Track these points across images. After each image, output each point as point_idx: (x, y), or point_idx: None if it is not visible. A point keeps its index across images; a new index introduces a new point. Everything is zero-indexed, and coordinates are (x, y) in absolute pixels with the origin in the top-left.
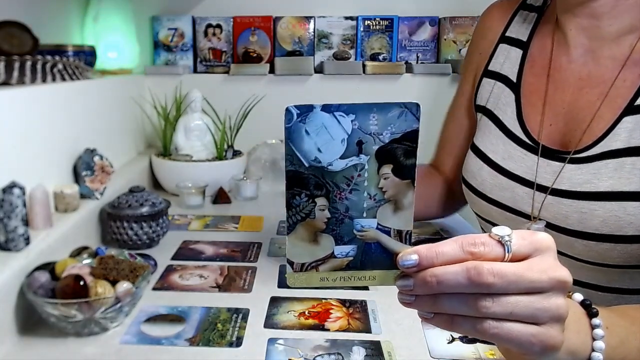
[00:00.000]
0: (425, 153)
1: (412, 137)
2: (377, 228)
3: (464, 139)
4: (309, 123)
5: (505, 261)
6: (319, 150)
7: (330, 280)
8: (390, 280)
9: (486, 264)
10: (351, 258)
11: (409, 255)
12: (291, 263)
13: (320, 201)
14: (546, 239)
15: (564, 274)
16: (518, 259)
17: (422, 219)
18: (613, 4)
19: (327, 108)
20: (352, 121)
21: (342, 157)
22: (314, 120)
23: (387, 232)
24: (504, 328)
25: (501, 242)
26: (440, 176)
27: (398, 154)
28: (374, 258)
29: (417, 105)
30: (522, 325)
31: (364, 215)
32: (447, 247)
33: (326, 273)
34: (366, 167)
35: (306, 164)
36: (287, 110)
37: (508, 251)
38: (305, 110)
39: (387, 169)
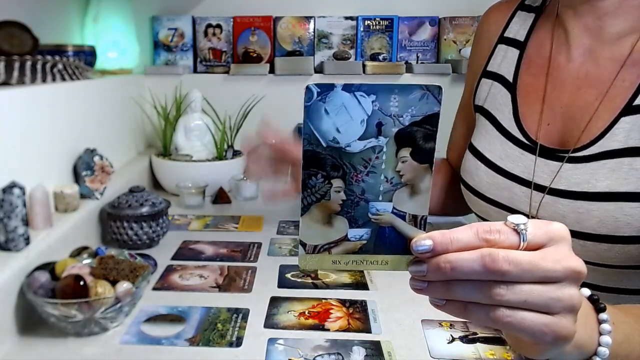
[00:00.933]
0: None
1: (432, 120)
2: (392, 212)
3: (465, 137)
4: (329, 102)
5: (520, 250)
6: (338, 130)
7: (342, 263)
8: (403, 265)
9: (501, 251)
10: (364, 241)
11: (423, 240)
12: (304, 245)
13: (337, 182)
14: (561, 229)
15: (578, 264)
16: (533, 248)
17: (438, 212)
18: (617, 5)
19: (348, 87)
20: (372, 102)
21: (360, 139)
22: (334, 100)
23: (403, 216)
24: (517, 316)
25: (517, 230)
26: (448, 171)
27: (417, 137)
28: (388, 242)
29: (440, 88)
30: (535, 315)
31: (380, 198)
32: (462, 234)
33: (338, 256)
34: (384, 149)
35: (324, 144)
36: (308, 88)
37: (523, 240)
38: (326, 89)
39: (405, 152)
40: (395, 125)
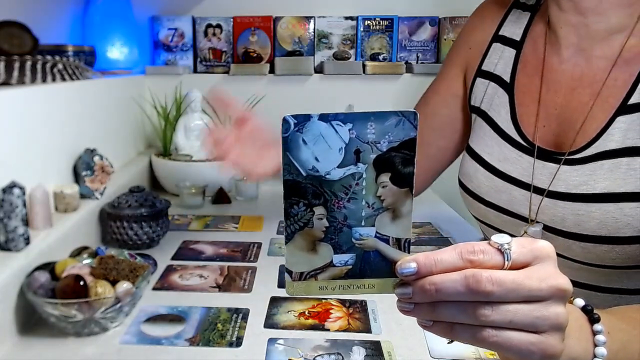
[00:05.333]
0: None
1: (409, 145)
2: (375, 236)
3: (443, 127)
4: (306, 132)
5: (505, 269)
6: (317, 159)
7: (329, 289)
8: (389, 288)
9: (485, 272)
10: (350, 266)
11: (408, 263)
12: (290, 272)
13: (319, 210)
14: (546, 247)
15: (564, 282)
16: (518, 267)
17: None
18: (597, 1)
19: (324, 117)
20: (349, 130)
21: (339, 166)
22: (311, 130)
23: (386, 240)
24: (504, 336)
25: (500, 250)
26: None
27: (396, 163)
28: (373, 266)
29: (415, 113)
30: (521, 334)
31: (363, 223)
32: (445, 255)
33: (325, 282)
34: (364, 175)
35: (304, 173)
36: (284, 119)
37: (507, 259)
38: (303, 119)
39: (385, 178)
40: (373, 151)
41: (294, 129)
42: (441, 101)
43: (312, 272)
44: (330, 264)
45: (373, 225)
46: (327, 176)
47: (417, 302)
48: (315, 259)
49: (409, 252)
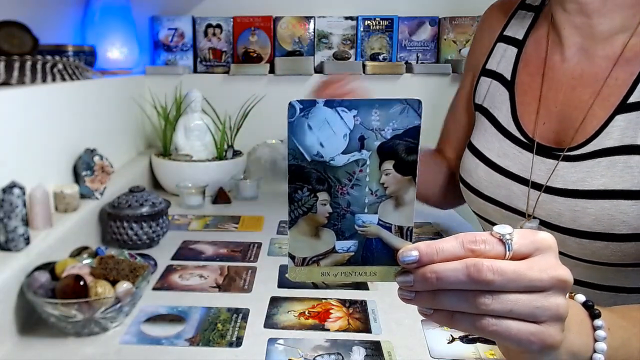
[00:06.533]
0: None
1: (413, 133)
2: (378, 224)
3: (463, 134)
4: (311, 118)
5: (506, 259)
6: (321, 145)
7: (331, 275)
8: (391, 276)
9: (486, 261)
10: (352, 253)
11: (410, 251)
12: (292, 257)
13: (322, 196)
14: (548, 238)
15: (565, 273)
16: (519, 257)
17: (421, 199)
18: (602, 3)
19: (329, 103)
20: (354, 116)
21: (344, 152)
22: (317, 115)
23: (388, 227)
24: (503, 325)
25: (502, 240)
26: (445, 162)
27: (400, 150)
28: (375, 254)
29: (419, 101)
30: (521, 323)
31: (365, 210)
32: (447, 244)
33: (327, 268)
34: (368, 162)
35: (308, 159)
36: (290, 104)
37: (509, 249)
38: (308, 105)
39: (388, 165)
40: (378, 138)
41: (300, 114)
42: (464, 109)
43: (315, 258)
44: (333, 250)
45: (376, 213)
46: (331, 162)
47: (418, 290)
48: (318, 244)
49: (411, 241)
